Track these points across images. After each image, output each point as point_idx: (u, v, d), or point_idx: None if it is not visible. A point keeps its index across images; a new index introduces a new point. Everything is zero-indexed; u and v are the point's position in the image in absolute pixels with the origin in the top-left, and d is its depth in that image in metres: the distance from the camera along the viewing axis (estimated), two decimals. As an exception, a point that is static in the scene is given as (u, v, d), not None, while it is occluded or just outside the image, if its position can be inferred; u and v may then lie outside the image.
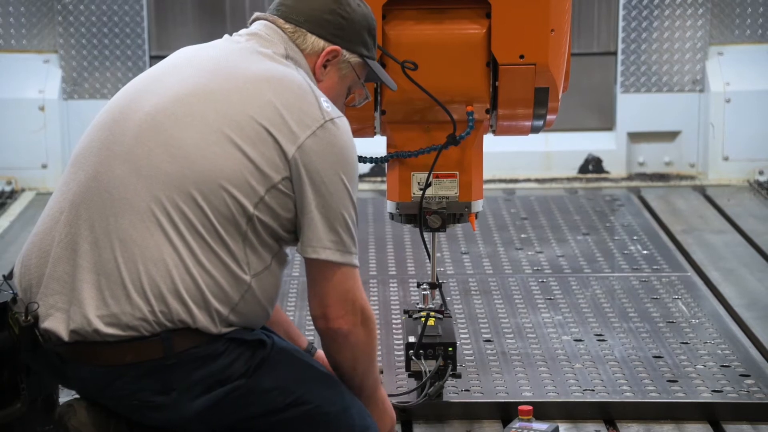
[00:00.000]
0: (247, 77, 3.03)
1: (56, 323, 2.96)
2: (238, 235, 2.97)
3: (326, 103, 3.05)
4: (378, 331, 4.39)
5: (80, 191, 3.00)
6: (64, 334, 2.95)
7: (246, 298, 3.01)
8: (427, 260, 3.88)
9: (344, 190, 3.02)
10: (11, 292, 3.09)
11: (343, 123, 3.07)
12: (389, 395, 3.44)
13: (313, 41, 3.16)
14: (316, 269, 3.06)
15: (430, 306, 3.83)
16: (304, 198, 3.00)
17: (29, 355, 3.05)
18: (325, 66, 3.18)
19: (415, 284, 4.15)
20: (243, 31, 3.21)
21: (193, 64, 3.10)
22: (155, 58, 6.86)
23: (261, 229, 2.99)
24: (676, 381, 3.95)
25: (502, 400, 3.82)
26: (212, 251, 2.95)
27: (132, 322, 2.91)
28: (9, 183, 6.70)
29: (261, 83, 3.01)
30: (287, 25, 3.16)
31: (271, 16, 3.19)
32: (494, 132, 3.75)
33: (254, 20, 3.24)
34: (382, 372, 3.91)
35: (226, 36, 3.22)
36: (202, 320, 2.95)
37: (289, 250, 3.13)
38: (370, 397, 3.26)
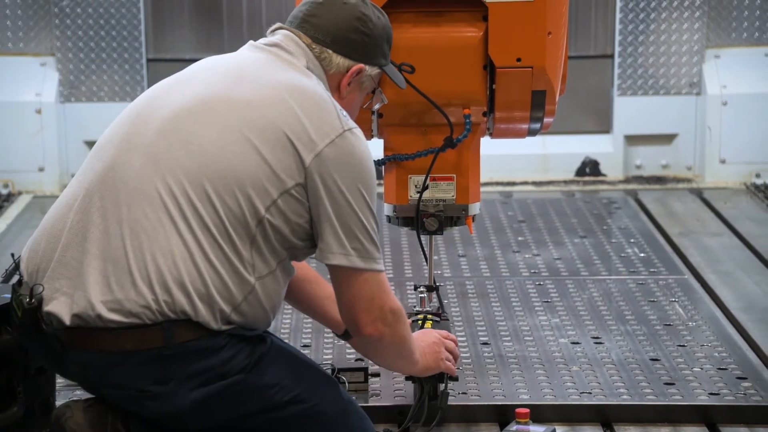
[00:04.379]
0: (270, 84, 3.08)
1: (59, 306, 2.98)
2: (246, 236, 3.00)
3: (344, 114, 3.11)
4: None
5: (96, 180, 3.05)
6: (66, 318, 2.97)
7: (249, 300, 3.02)
8: (424, 263, 3.88)
9: (362, 199, 3.07)
10: (17, 275, 3.12)
11: (361, 133, 3.13)
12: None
13: (339, 62, 3.22)
14: (339, 277, 3.10)
15: (428, 309, 3.83)
16: (321, 206, 3.04)
17: (30, 340, 3.06)
18: (349, 83, 3.24)
19: (413, 287, 4.14)
20: (264, 39, 3.26)
21: (218, 70, 3.16)
22: (152, 62, 6.86)
23: (271, 232, 3.02)
24: (673, 384, 3.95)
25: (499, 403, 3.82)
26: (220, 248, 2.98)
27: (135, 309, 2.93)
28: (6, 186, 6.70)
29: (283, 91, 3.07)
30: (315, 46, 3.21)
31: (296, 30, 3.23)
32: (491, 135, 3.76)
33: (275, 29, 3.27)
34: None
35: (249, 43, 3.26)
36: (204, 314, 2.96)
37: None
38: (422, 367, 3.43)
